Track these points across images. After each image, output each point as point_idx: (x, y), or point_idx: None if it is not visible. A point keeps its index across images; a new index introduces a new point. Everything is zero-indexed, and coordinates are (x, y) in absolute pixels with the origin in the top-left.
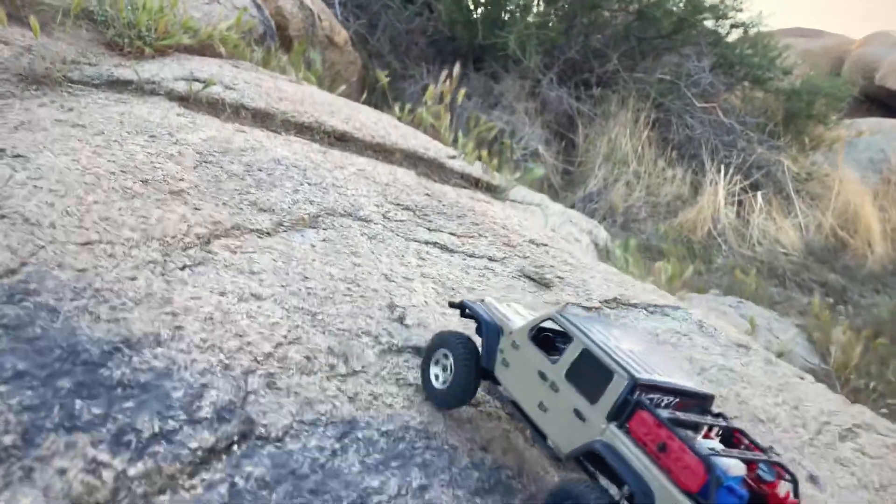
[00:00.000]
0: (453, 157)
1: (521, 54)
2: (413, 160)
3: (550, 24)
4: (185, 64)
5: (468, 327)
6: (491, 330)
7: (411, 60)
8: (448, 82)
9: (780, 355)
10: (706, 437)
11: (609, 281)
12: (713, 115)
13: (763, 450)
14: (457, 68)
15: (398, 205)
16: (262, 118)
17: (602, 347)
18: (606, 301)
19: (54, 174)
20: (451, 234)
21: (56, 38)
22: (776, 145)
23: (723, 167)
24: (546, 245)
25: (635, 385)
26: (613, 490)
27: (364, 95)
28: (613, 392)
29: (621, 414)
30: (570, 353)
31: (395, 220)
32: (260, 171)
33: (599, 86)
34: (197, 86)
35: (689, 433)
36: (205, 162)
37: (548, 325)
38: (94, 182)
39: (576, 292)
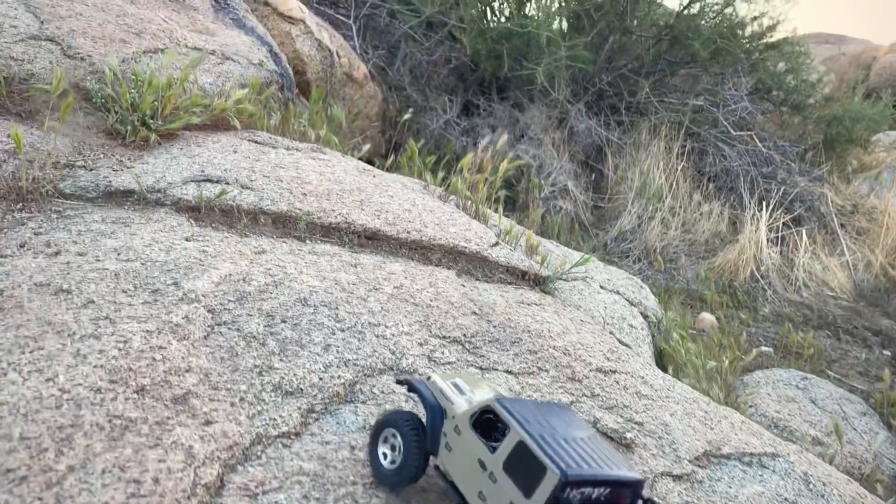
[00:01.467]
0: (496, 245)
1: (550, 87)
2: (453, 256)
3: (580, 56)
4: (195, 154)
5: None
6: (436, 412)
7: (432, 91)
8: (489, 152)
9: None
10: None
11: (691, 415)
12: (751, 144)
13: None
14: (503, 138)
15: (444, 337)
16: (284, 223)
17: (537, 440)
18: (697, 458)
19: (18, 421)
20: (508, 371)
21: (48, 129)
22: (818, 176)
23: (763, 202)
24: (614, 371)
25: (567, 482)
26: None
27: (385, 135)
28: (547, 488)
29: None
30: (507, 444)
31: (444, 364)
32: (284, 322)
33: (628, 111)
34: (209, 191)
35: None
36: (218, 325)
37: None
38: (72, 421)
39: (660, 449)
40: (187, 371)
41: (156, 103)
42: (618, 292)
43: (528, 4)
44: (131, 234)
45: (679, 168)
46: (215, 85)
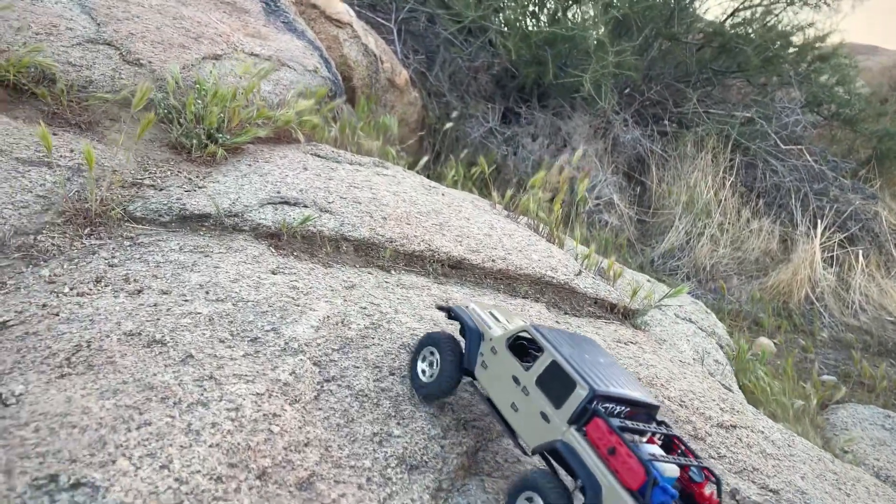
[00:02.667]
0: (580, 274)
1: (596, 95)
2: (540, 287)
3: (627, 63)
4: (265, 172)
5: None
6: (473, 335)
7: (471, 98)
8: (565, 169)
9: None
10: (650, 441)
11: (822, 477)
12: (801, 159)
13: (696, 455)
14: (579, 152)
15: None
16: (367, 251)
17: (568, 360)
18: None
19: None
20: None
21: (109, 143)
22: (871, 193)
23: (817, 219)
24: (734, 427)
25: (594, 396)
26: (569, 482)
27: (425, 142)
28: (575, 400)
29: (580, 419)
30: (541, 363)
31: None
32: (392, 375)
33: (672, 122)
34: (289, 216)
35: (636, 438)
36: (326, 381)
37: (524, 334)
38: None
39: None
40: (306, 445)
41: (221, 115)
42: (690, 320)
43: (575, 8)
44: (214, 267)
45: (727, 183)
46: (273, 94)
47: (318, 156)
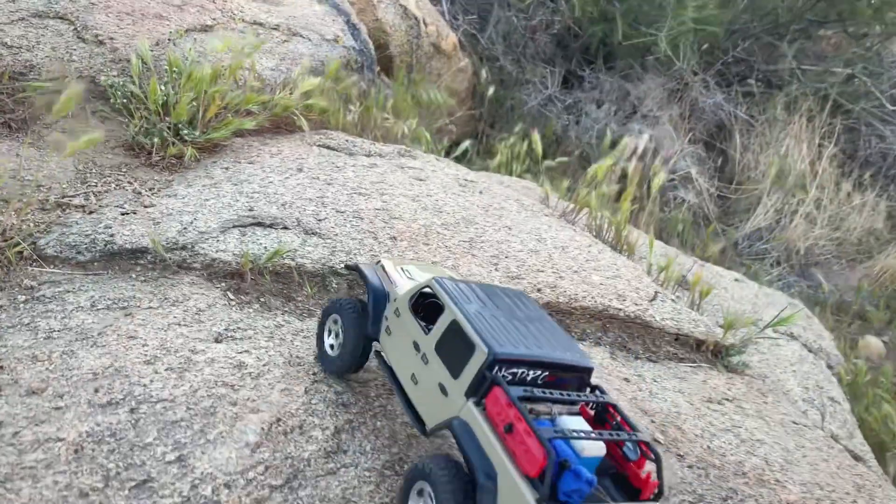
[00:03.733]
0: (654, 298)
1: (673, 55)
2: (602, 322)
3: (710, 18)
4: (244, 178)
5: None
6: (378, 295)
7: (528, 61)
8: (634, 159)
9: None
10: (583, 410)
11: None
12: None
13: (633, 427)
14: (644, 138)
15: None
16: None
17: (471, 318)
18: None
19: None
20: None
21: (47, 147)
22: None
23: None
24: None
25: (495, 359)
26: None
27: (476, 112)
28: (473, 366)
29: (479, 390)
30: (441, 324)
31: None
32: None
33: (760, 82)
34: (257, 244)
35: (556, 409)
36: None
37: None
38: None
39: None
40: None
41: (195, 104)
42: (792, 334)
43: None
44: (129, 337)
45: (824, 151)
46: (278, 71)
47: (327, 146)
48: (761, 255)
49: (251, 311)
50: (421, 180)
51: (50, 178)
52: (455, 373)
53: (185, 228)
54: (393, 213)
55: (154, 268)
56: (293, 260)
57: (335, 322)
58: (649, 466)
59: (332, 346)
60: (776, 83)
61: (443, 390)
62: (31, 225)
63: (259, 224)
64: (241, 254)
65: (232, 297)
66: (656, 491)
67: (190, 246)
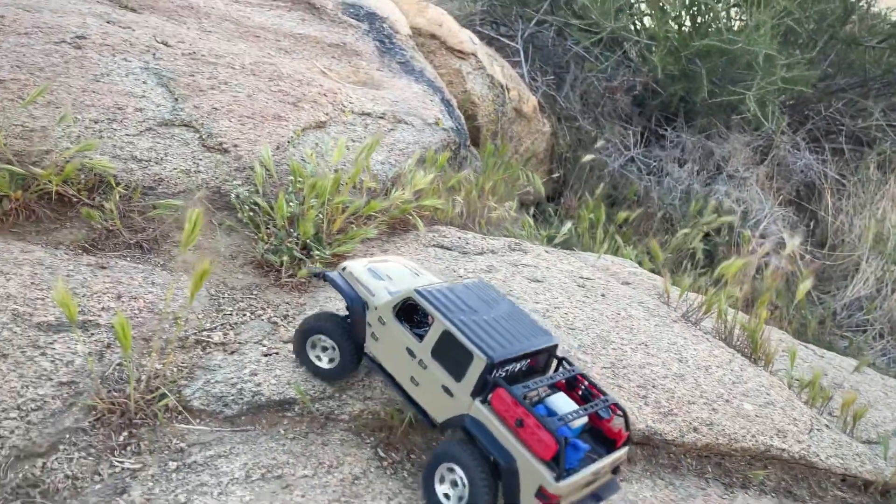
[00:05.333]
0: (812, 430)
1: (761, 115)
2: (763, 463)
3: (799, 78)
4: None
5: None
6: (356, 305)
7: (606, 120)
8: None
9: None
10: (559, 385)
11: None
12: None
13: (602, 392)
14: (795, 241)
15: None
16: None
17: (461, 328)
18: None
19: None
20: None
21: (177, 270)
22: None
23: None
24: None
25: (493, 364)
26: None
27: (552, 174)
28: (475, 372)
29: (483, 391)
30: (434, 333)
31: None
32: None
33: (850, 139)
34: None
35: (541, 392)
36: None
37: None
38: None
39: None
40: None
41: (320, 216)
42: None
43: (741, 12)
44: None
45: None
46: (388, 164)
47: (442, 247)
48: (862, 327)
49: (405, 473)
50: (538, 281)
51: (185, 307)
52: (457, 377)
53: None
54: None
55: (301, 420)
56: None
57: (322, 340)
58: (618, 421)
59: (319, 358)
60: (866, 140)
61: (447, 391)
62: (175, 370)
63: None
64: (388, 401)
65: (383, 454)
66: (627, 438)
67: (337, 394)
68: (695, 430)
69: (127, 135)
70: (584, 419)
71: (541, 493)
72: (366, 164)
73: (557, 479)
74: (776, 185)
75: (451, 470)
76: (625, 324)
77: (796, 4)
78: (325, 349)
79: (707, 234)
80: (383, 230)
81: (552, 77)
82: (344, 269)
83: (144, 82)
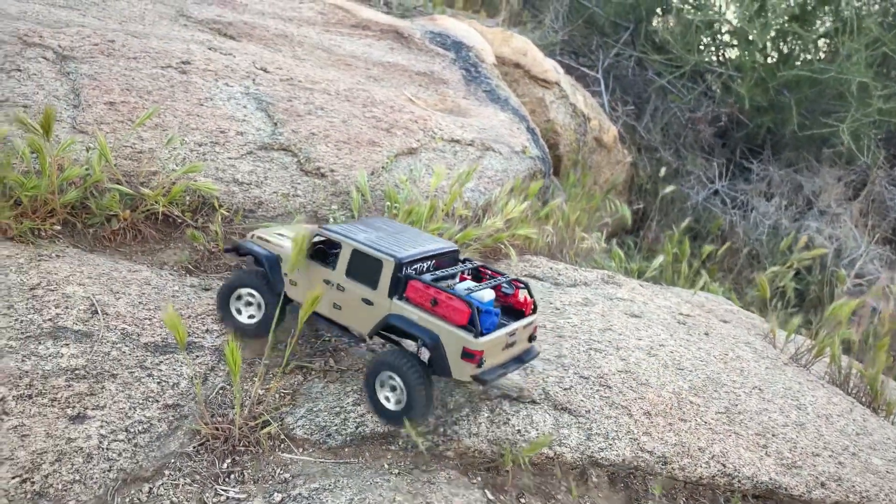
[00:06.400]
0: None
1: (855, 148)
2: None
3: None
4: None
5: None
6: (272, 260)
7: (687, 151)
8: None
9: None
10: (462, 279)
11: None
12: None
13: (502, 274)
14: None
15: None
16: (628, 481)
17: (366, 244)
18: None
19: None
20: None
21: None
22: None
23: None
24: None
25: (401, 264)
26: (412, 346)
27: (632, 206)
28: (386, 275)
29: (397, 289)
30: (344, 257)
31: None
32: None
33: None
34: (511, 423)
35: (450, 282)
36: None
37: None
38: None
39: None
40: None
41: None
42: None
43: (831, 42)
44: None
45: None
46: (477, 192)
47: (534, 277)
48: None
49: None
50: (637, 317)
51: (284, 331)
52: (373, 285)
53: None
54: (636, 375)
55: (406, 455)
56: (550, 448)
57: (251, 294)
58: (522, 293)
59: (248, 314)
60: None
61: (367, 302)
62: (277, 396)
63: (505, 396)
64: (494, 439)
65: (491, 496)
66: (533, 307)
67: (441, 429)
68: (822, 485)
69: (229, 158)
70: (491, 294)
71: (466, 352)
72: (459, 191)
73: (476, 336)
74: (871, 222)
75: (391, 377)
76: (734, 365)
77: (892, 35)
78: (248, 304)
79: (797, 273)
80: (475, 258)
81: (632, 107)
82: (253, 235)
83: (245, 107)
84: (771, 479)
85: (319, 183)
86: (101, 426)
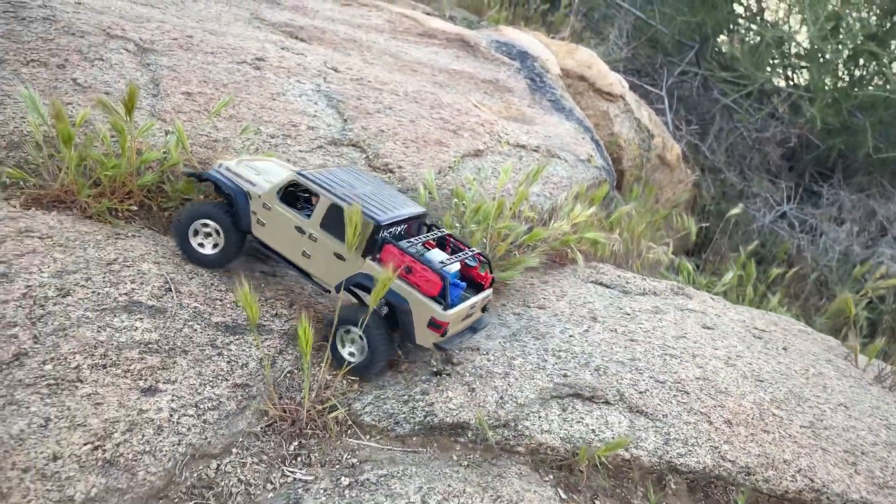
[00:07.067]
0: None
1: None
2: None
3: None
4: (542, 330)
5: None
6: (239, 195)
7: (753, 173)
8: None
9: None
10: (427, 245)
11: None
12: None
13: (467, 246)
14: None
15: None
16: (708, 489)
17: (345, 199)
18: None
19: None
20: None
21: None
22: None
23: None
24: None
25: (379, 226)
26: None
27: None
28: (363, 235)
29: (372, 250)
30: (321, 209)
31: None
32: None
33: None
34: (585, 423)
35: (421, 249)
36: None
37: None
38: None
39: None
40: None
41: (483, 240)
42: None
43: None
44: None
45: None
46: (542, 196)
47: (601, 284)
48: None
49: None
50: (710, 328)
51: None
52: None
53: (502, 399)
54: (714, 383)
55: (475, 448)
56: (626, 450)
57: (205, 226)
58: (483, 268)
59: (207, 245)
60: None
61: (339, 257)
62: (344, 382)
63: (577, 395)
64: (567, 437)
65: (564, 495)
66: (491, 280)
67: (512, 423)
68: None
69: (300, 150)
70: (458, 266)
71: (432, 322)
72: (526, 192)
73: (445, 309)
74: None
75: (349, 331)
76: (816, 381)
77: None
78: (207, 235)
79: (870, 301)
80: (541, 261)
81: (696, 127)
82: (220, 165)
83: (316, 103)
84: (862, 497)
85: (387, 178)
86: (172, 400)
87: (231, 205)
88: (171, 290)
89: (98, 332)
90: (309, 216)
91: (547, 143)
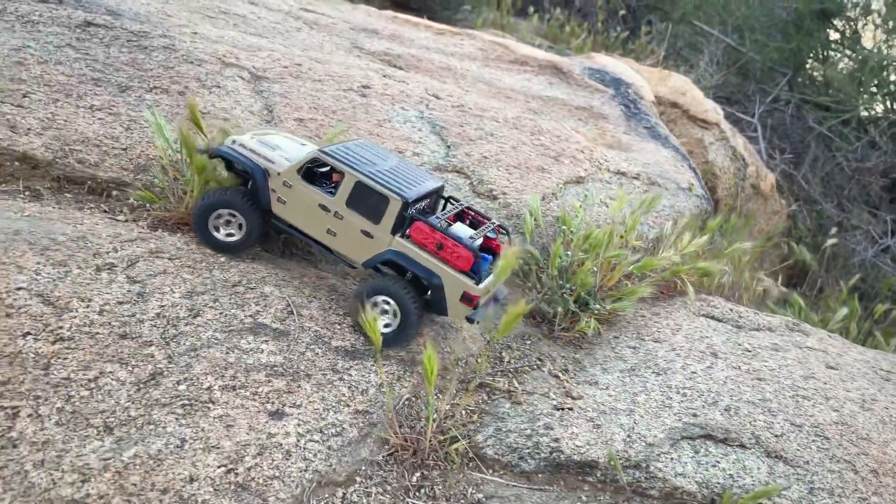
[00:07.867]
0: None
1: None
2: None
3: None
4: (661, 364)
5: None
6: (258, 174)
7: (852, 204)
8: None
9: None
10: (451, 220)
11: None
12: None
13: (487, 218)
14: None
15: None
16: None
17: (372, 177)
18: None
19: None
20: None
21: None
22: None
23: None
24: None
25: (408, 203)
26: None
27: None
28: (392, 212)
29: (401, 227)
30: (346, 187)
31: None
32: None
33: None
34: (721, 467)
35: (447, 223)
36: None
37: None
38: None
39: None
40: None
41: (594, 269)
42: None
43: None
44: None
45: None
46: (646, 224)
47: (713, 318)
48: None
49: None
50: (834, 368)
51: (461, 347)
52: (376, 220)
53: (629, 437)
54: (854, 428)
55: (605, 489)
56: (770, 499)
57: (231, 215)
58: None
59: (227, 232)
60: None
61: (367, 234)
62: (463, 413)
63: (709, 437)
64: (704, 482)
65: None
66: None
67: (643, 464)
68: None
69: None
70: (481, 239)
71: (465, 296)
72: (638, 219)
73: (477, 283)
74: None
75: (387, 301)
76: None
77: None
78: (228, 222)
79: None
80: (651, 292)
81: (790, 155)
82: (234, 141)
83: (419, 129)
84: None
85: (491, 205)
86: (298, 424)
87: (246, 183)
88: (292, 312)
89: (227, 353)
90: (332, 193)
91: (647, 171)
